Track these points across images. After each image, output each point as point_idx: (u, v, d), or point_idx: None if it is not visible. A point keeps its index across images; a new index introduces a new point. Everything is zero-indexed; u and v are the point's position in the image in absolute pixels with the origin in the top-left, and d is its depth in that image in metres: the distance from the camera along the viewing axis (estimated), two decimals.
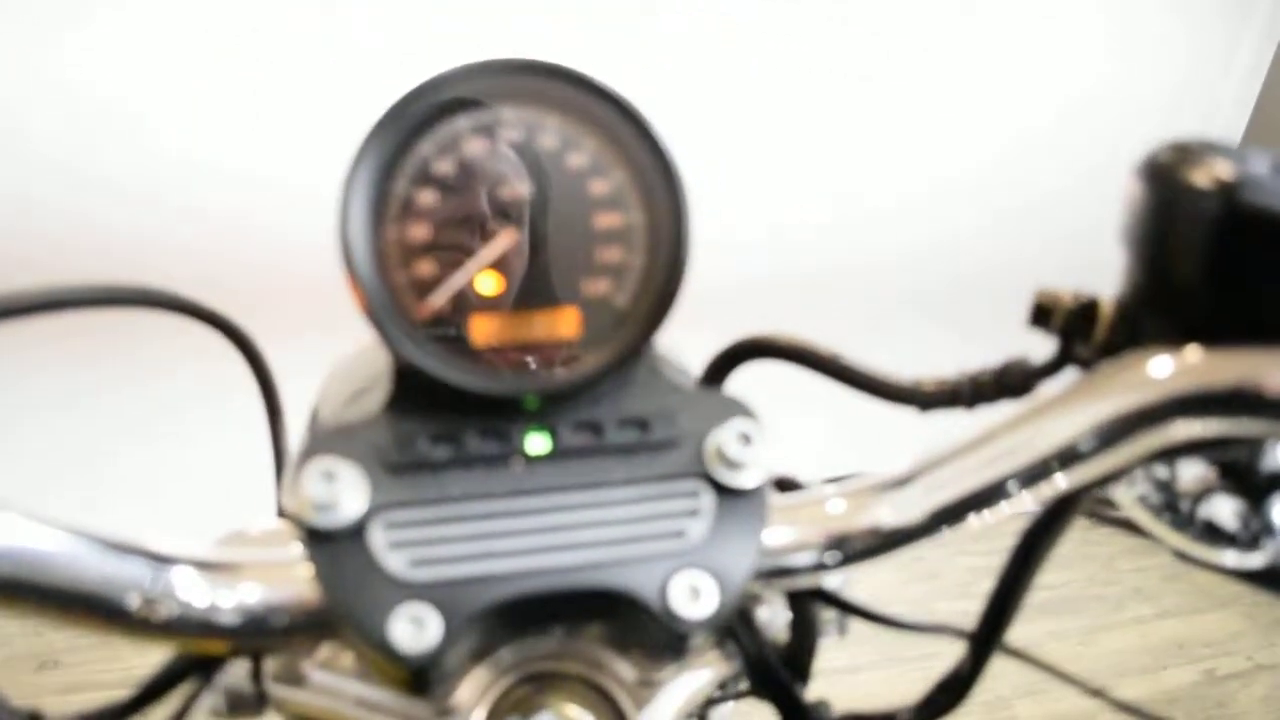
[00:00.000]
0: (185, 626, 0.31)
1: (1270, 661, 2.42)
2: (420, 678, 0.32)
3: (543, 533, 0.33)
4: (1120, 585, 2.63)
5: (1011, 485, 0.34)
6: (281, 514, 0.35)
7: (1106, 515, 0.47)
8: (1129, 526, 0.46)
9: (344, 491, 0.32)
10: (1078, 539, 2.84)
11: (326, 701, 0.39)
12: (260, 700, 0.40)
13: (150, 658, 0.41)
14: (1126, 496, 0.42)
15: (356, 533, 0.32)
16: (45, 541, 0.29)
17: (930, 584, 2.48)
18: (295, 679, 0.39)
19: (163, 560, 0.31)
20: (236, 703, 0.40)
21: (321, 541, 0.32)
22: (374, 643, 0.31)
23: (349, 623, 0.31)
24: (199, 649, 0.36)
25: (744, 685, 0.45)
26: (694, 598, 0.32)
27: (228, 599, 0.31)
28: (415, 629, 0.31)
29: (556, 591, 0.32)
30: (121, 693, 0.40)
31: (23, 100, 1.67)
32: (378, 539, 0.32)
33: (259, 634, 0.32)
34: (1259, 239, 0.30)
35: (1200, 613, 2.59)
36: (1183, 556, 0.42)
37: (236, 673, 0.39)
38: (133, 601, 0.30)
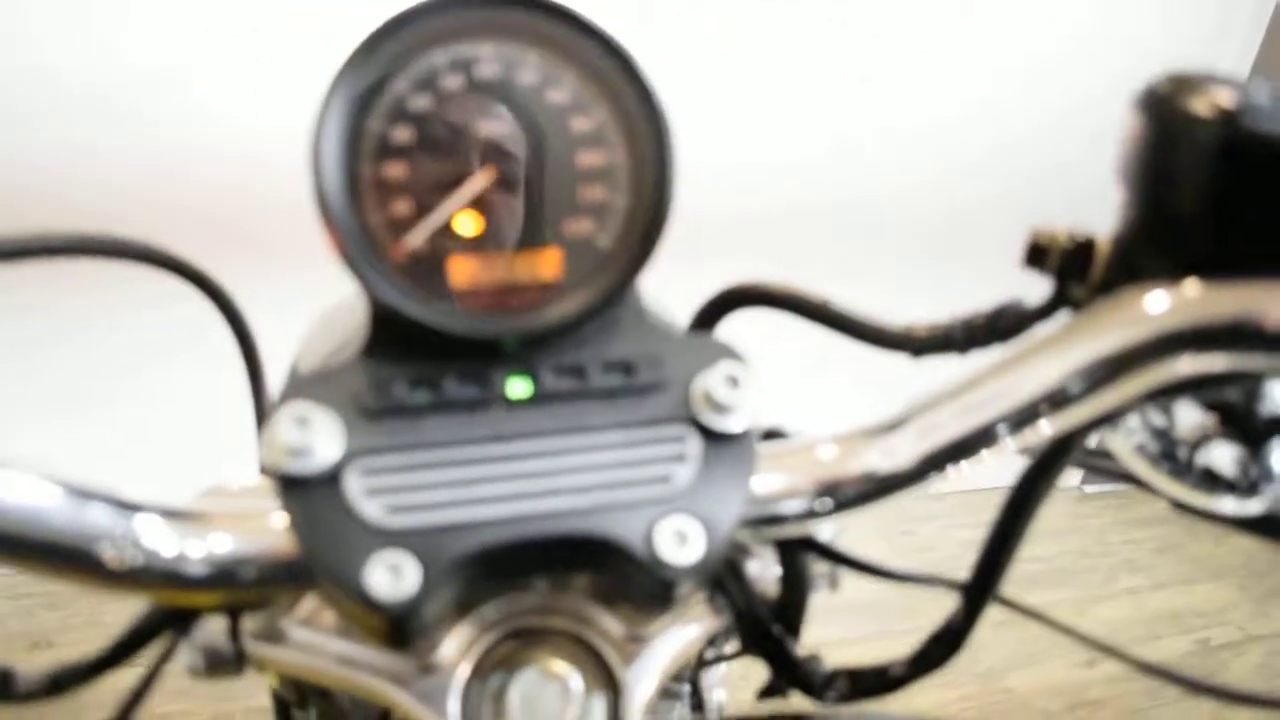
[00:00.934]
0: (155, 577, 0.30)
1: (1262, 632, 2.44)
2: (399, 628, 0.31)
3: (524, 479, 0.32)
4: (1113, 557, 2.64)
5: (1002, 429, 0.33)
6: (263, 471, 0.34)
7: (1101, 467, 0.46)
8: (1125, 479, 0.45)
9: (318, 437, 0.31)
10: (1069, 512, 2.85)
11: (307, 659, 0.38)
12: (239, 659, 0.39)
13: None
14: (1124, 446, 0.41)
15: (332, 479, 0.31)
16: (12, 489, 0.28)
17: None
18: (275, 636, 0.38)
19: (130, 508, 0.30)
20: (215, 661, 0.38)
21: (296, 489, 0.31)
22: (350, 592, 0.30)
23: (324, 571, 0.30)
24: (172, 601, 0.35)
25: (734, 647, 0.45)
26: (680, 544, 0.31)
27: (198, 549, 0.30)
28: (393, 577, 0.30)
29: (538, 539, 0.31)
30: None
31: None
32: (353, 485, 0.31)
33: (232, 585, 0.31)
34: (1260, 167, 0.29)
35: (1193, 584, 2.60)
36: (1180, 506, 0.41)
37: (215, 630, 0.38)
38: (102, 551, 0.29)
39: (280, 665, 0.39)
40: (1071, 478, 2.93)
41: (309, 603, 0.39)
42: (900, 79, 2.26)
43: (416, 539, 0.30)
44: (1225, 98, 0.30)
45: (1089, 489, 2.93)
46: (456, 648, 0.37)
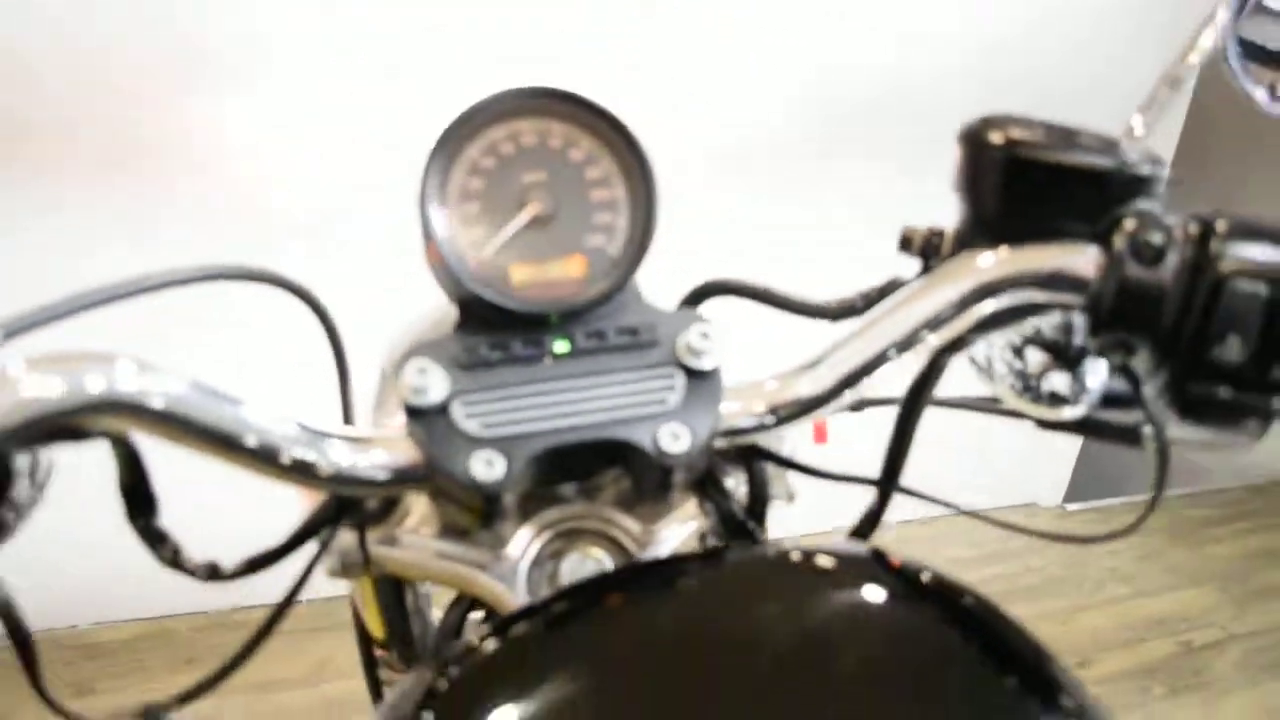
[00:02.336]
0: (336, 479, 0.45)
1: (1242, 631, 2.56)
2: (490, 505, 0.46)
3: (567, 404, 0.48)
4: (1096, 567, 2.77)
5: (890, 353, 0.49)
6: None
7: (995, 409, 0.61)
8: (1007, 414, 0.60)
9: (433, 381, 0.47)
10: (1053, 528, 2.97)
11: (413, 555, 0.53)
12: (365, 563, 0.54)
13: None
14: (1000, 388, 0.57)
15: (442, 409, 0.47)
16: (256, 420, 0.43)
17: None
18: (390, 541, 0.54)
19: (325, 435, 0.45)
20: (348, 563, 0.54)
21: (419, 416, 0.46)
22: (460, 480, 0.45)
23: (441, 468, 0.46)
24: (340, 492, 0.49)
25: (717, 541, 0.59)
26: (675, 440, 0.47)
27: (361, 459, 0.46)
28: (487, 467, 0.45)
29: (580, 442, 0.47)
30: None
31: None
32: (457, 412, 0.47)
33: (379, 484, 0.47)
34: (1031, 177, 0.46)
35: (1175, 590, 2.73)
36: (1043, 424, 0.57)
37: (347, 540, 0.54)
38: (313, 462, 0.44)
39: (393, 562, 0.54)
40: (1054, 496, 3.07)
41: (413, 517, 0.54)
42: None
43: (501, 443, 0.46)
44: (1011, 132, 0.47)
45: (1071, 506, 3.07)
46: (520, 545, 0.53)
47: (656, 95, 2.11)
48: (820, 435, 0.66)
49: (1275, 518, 3.20)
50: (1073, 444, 2.92)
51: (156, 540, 0.48)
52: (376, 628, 0.72)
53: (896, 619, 0.44)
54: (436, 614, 0.77)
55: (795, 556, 0.46)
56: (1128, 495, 3.06)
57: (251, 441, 0.43)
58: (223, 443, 0.42)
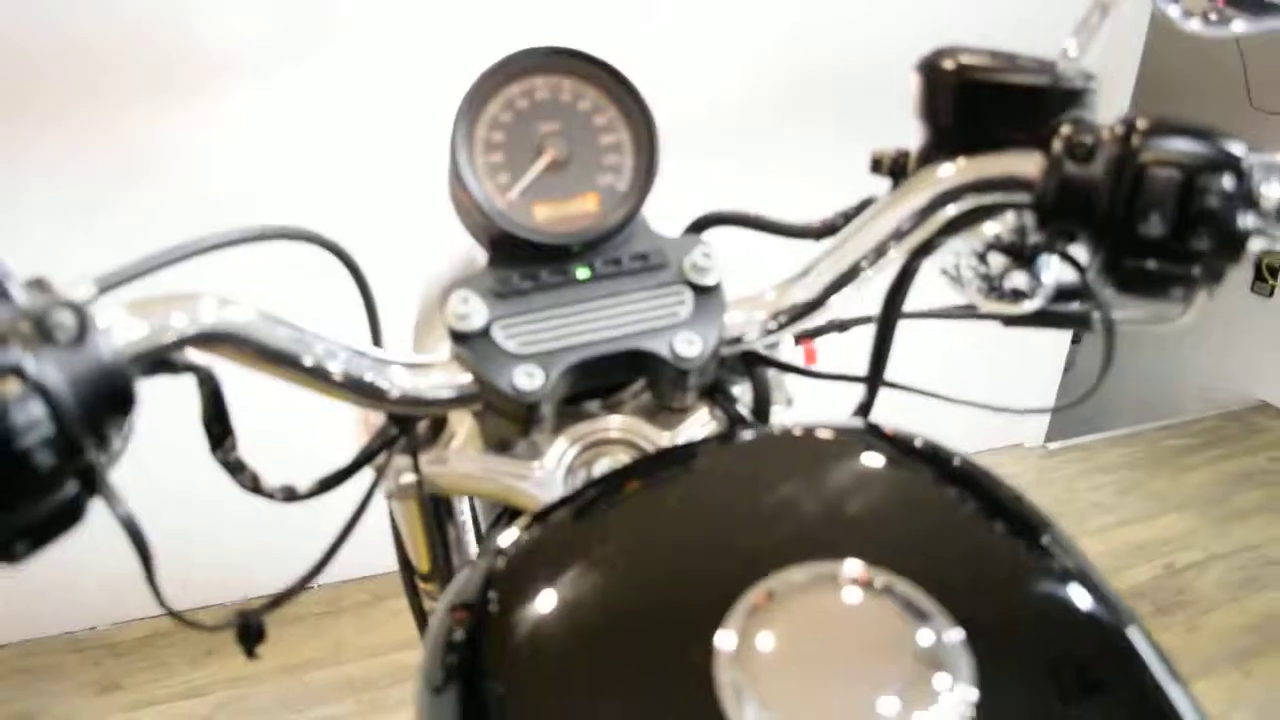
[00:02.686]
0: (397, 400, 0.52)
1: (1223, 550, 2.67)
2: (531, 413, 0.53)
3: (593, 322, 0.55)
4: (1080, 502, 2.88)
5: (865, 263, 0.56)
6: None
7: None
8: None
9: (474, 309, 0.54)
10: (1037, 466, 3.09)
11: (461, 470, 0.61)
12: (418, 485, 0.61)
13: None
14: (969, 292, 0.65)
15: (484, 332, 0.54)
16: (320, 347, 0.50)
17: None
18: (440, 461, 0.61)
19: (388, 361, 0.52)
20: (402, 485, 0.61)
21: (464, 340, 0.53)
22: (505, 391, 0.52)
23: (489, 383, 0.52)
24: (398, 411, 0.56)
25: None
26: (689, 346, 0.54)
27: (419, 382, 0.53)
28: (528, 379, 0.52)
29: (607, 354, 0.54)
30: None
31: None
32: (498, 334, 0.54)
33: (433, 403, 0.54)
34: (980, 97, 0.54)
35: (1157, 516, 2.83)
36: (1008, 321, 0.64)
37: (402, 463, 0.61)
38: (363, 381, 0.51)
39: (443, 477, 0.61)
40: (1037, 437, 3.18)
41: (458, 439, 0.61)
42: None
43: (538, 358, 0.53)
44: (961, 59, 0.54)
45: (1053, 445, 3.17)
46: (554, 456, 0.60)
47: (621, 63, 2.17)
48: (810, 357, 0.74)
49: (1247, 442, 3.33)
50: (1051, 387, 3.02)
51: (237, 469, 0.54)
52: (421, 560, 0.79)
53: (897, 474, 0.51)
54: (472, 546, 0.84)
55: (799, 431, 0.53)
56: (1102, 432, 3.21)
57: (336, 371, 0.50)
58: (309, 373, 0.50)
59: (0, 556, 0.38)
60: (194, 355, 0.47)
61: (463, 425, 0.62)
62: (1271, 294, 3.58)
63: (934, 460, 0.52)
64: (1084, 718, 0.38)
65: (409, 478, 0.60)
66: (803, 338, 0.72)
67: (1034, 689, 0.37)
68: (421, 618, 0.89)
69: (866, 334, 0.66)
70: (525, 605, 0.43)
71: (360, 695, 2.17)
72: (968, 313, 0.67)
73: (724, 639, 0.37)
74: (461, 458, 0.61)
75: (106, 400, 0.39)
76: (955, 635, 0.37)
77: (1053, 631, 0.41)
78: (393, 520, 0.79)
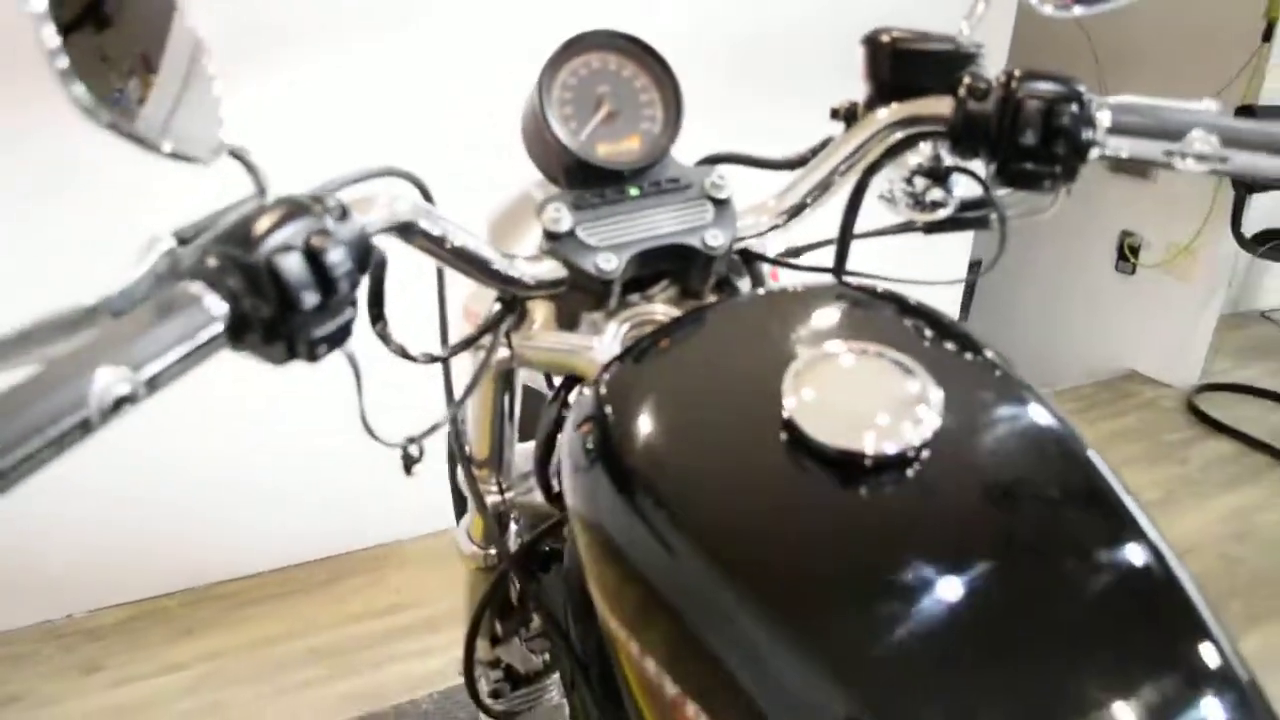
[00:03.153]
0: (512, 283, 0.73)
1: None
2: (607, 288, 0.75)
3: (646, 225, 0.76)
4: None
5: (835, 175, 0.80)
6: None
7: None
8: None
9: (563, 215, 0.75)
10: None
11: (544, 343, 0.81)
12: (511, 356, 0.81)
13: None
14: (900, 206, 0.89)
15: (570, 233, 0.75)
16: (462, 238, 0.70)
17: None
18: (528, 338, 0.81)
19: (511, 257, 0.73)
20: (502, 359, 0.81)
21: (555, 239, 0.74)
22: (590, 272, 0.73)
23: (575, 268, 0.73)
24: (514, 293, 0.76)
25: None
26: (715, 239, 0.76)
27: (526, 271, 0.73)
28: (606, 262, 0.74)
29: (657, 245, 0.76)
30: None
31: None
32: (581, 233, 0.75)
33: (534, 287, 0.74)
34: (908, 59, 0.78)
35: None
36: (929, 228, 0.88)
37: (500, 351, 0.81)
38: (508, 271, 0.71)
39: (529, 348, 0.81)
40: None
41: (536, 324, 0.82)
42: None
43: (613, 248, 0.74)
44: (894, 34, 0.78)
45: None
46: (610, 334, 0.81)
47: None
48: (775, 279, 0.97)
49: (1117, 405, 3.75)
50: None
51: (388, 338, 0.73)
52: (483, 443, 0.99)
53: (869, 301, 0.73)
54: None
55: (794, 288, 0.76)
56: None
57: (492, 260, 0.70)
58: (469, 261, 0.69)
59: (308, 355, 0.56)
60: (379, 240, 0.66)
61: (538, 313, 0.82)
62: (1133, 272, 4.01)
63: (892, 298, 0.74)
64: (1016, 449, 0.59)
65: (505, 352, 0.81)
66: (772, 268, 0.95)
67: (984, 425, 0.59)
68: (460, 501, 1.09)
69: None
70: (636, 400, 0.65)
71: (328, 661, 2.33)
72: (901, 228, 0.91)
73: (786, 384, 0.59)
74: (543, 335, 0.81)
75: (364, 256, 0.59)
76: (931, 385, 0.59)
77: (998, 384, 0.63)
78: (453, 422, 0.98)
